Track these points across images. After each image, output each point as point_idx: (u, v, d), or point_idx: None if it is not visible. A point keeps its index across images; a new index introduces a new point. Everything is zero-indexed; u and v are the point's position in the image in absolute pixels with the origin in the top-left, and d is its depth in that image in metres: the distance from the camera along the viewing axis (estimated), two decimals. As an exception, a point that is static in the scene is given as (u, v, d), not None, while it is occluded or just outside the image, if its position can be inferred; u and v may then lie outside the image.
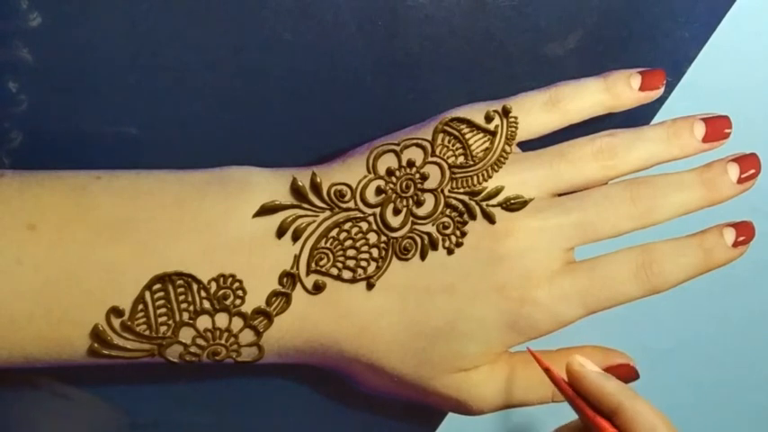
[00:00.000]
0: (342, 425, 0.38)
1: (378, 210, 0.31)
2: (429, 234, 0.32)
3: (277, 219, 0.30)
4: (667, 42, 0.35)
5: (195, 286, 0.30)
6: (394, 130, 0.33)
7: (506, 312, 0.32)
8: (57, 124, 0.32)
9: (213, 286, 0.30)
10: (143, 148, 0.33)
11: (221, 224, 0.30)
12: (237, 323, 0.30)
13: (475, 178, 0.32)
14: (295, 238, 0.31)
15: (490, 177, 0.32)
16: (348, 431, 0.38)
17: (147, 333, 0.30)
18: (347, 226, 0.31)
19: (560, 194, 0.33)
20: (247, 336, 0.31)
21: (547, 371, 0.30)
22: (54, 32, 0.31)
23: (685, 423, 0.38)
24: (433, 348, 0.32)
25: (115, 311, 0.29)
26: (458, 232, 0.32)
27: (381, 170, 0.31)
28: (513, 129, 0.32)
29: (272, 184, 0.31)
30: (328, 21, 0.33)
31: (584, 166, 0.33)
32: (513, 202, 0.32)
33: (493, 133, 0.32)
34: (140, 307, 0.29)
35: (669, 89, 0.35)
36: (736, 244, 0.33)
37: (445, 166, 0.32)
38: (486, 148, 0.32)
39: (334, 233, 0.31)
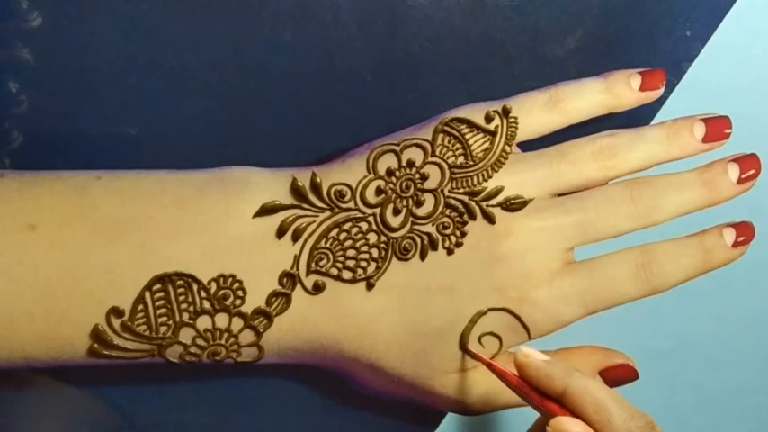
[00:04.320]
0: (342, 425, 0.38)
1: (378, 210, 0.31)
2: (429, 234, 0.32)
3: (277, 219, 0.30)
4: (667, 42, 0.35)
5: (195, 286, 0.30)
6: (394, 130, 0.33)
7: (506, 313, 0.32)
8: (57, 124, 0.32)
9: (213, 286, 0.30)
10: (143, 148, 0.33)
11: (221, 224, 0.30)
12: (237, 323, 0.30)
13: (475, 178, 0.32)
14: (295, 238, 0.31)
15: (490, 177, 0.32)
16: (348, 431, 0.38)
17: (147, 333, 0.30)
18: (347, 226, 0.31)
19: (560, 195, 0.33)
20: (247, 336, 0.31)
21: (489, 366, 0.30)
22: (54, 32, 0.31)
23: (685, 423, 0.38)
24: (433, 348, 0.32)
25: (115, 312, 0.29)
26: (458, 232, 0.32)
27: (381, 170, 0.31)
28: (513, 129, 0.32)
29: (272, 185, 0.31)
30: (328, 21, 0.33)
31: (584, 166, 0.33)
32: (512, 202, 0.32)
33: (493, 133, 0.32)
34: (140, 307, 0.29)
35: (669, 89, 0.35)
36: (735, 244, 0.33)
37: (445, 166, 0.32)
38: (486, 149, 0.32)
39: (333, 233, 0.31)
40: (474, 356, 0.32)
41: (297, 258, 0.31)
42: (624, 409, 0.27)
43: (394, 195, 0.31)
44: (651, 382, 0.34)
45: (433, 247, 0.32)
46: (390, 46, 0.34)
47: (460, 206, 0.32)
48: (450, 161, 0.32)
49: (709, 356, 0.40)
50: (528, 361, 0.29)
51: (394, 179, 0.31)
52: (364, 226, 0.31)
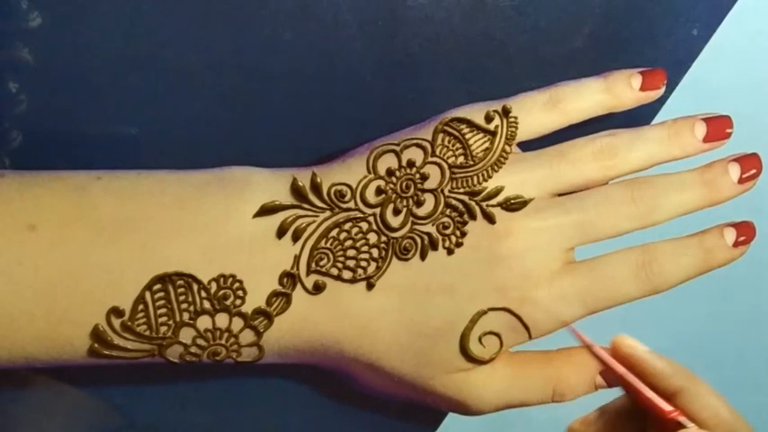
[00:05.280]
0: (342, 425, 0.38)
1: (378, 210, 0.31)
2: (429, 234, 0.32)
3: (277, 219, 0.30)
4: (668, 42, 0.35)
5: (195, 286, 0.30)
6: (394, 130, 0.33)
7: (506, 313, 0.32)
8: (57, 124, 0.32)
9: (213, 286, 0.30)
10: (143, 148, 0.33)
11: (221, 224, 0.30)
12: (238, 323, 0.30)
13: (475, 178, 0.32)
14: (295, 238, 0.31)
15: (490, 177, 0.32)
16: (348, 431, 0.38)
17: (147, 333, 0.30)
18: (347, 226, 0.31)
19: (560, 194, 0.33)
20: (247, 336, 0.31)
21: (590, 348, 0.30)
22: (54, 32, 0.31)
23: (685, 423, 0.38)
24: (433, 348, 0.32)
25: (115, 312, 0.29)
26: (458, 232, 0.32)
27: (381, 170, 0.31)
28: (513, 129, 0.32)
29: (272, 185, 0.31)
30: (328, 21, 0.33)
31: (584, 166, 0.33)
32: (512, 202, 0.32)
33: (493, 133, 0.32)
34: (140, 307, 0.29)
35: (670, 89, 0.35)
36: (736, 244, 0.33)
37: (445, 166, 0.32)
38: (486, 149, 0.32)
39: (334, 233, 0.31)
40: (576, 336, 0.31)
41: (297, 258, 0.31)
42: (734, 416, 0.27)
43: (394, 195, 0.31)
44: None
45: (434, 246, 0.32)
46: (390, 46, 0.34)
47: (461, 206, 0.32)
48: (450, 161, 0.32)
49: (710, 356, 0.40)
50: (638, 354, 0.28)
51: (394, 179, 0.31)
52: (364, 226, 0.31)
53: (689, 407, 0.27)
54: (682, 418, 0.27)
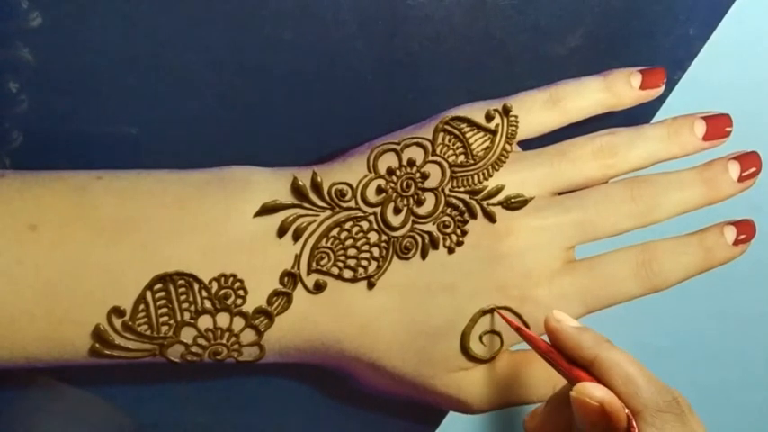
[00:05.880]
0: (342, 425, 0.38)
1: (378, 209, 0.31)
2: (430, 233, 0.32)
3: (278, 218, 0.30)
4: (668, 41, 0.35)
5: (196, 286, 0.30)
6: (394, 130, 0.33)
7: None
8: (57, 124, 0.32)
9: (214, 286, 0.30)
10: (143, 148, 0.33)
11: (222, 224, 0.30)
12: (239, 323, 0.30)
13: (475, 177, 0.32)
14: (296, 237, 0.31)
15: (490, 176, 0.32)
16: (348, 431, 0.38)
17: (148, 333, 0.30)
18: (348, 225, 0.31)
19: (561, 193, 0.33)
20: (248, 335, 0.31)
21: (518, 330, 0.30)
22: (54, 32, 0.31)
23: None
24: (434, 347, 0.32)
25: (116, 311, 0.29)
26: (458, 231, 0.32)
27: (382, 169, 0.31)
28: (514, 128, 0.32)
29: (272, 184, 0.31)
30: (328, 21, 0.33)
31: (584, 164, 0.33)
32: (513, 200, 0.32)
33: (493, 132, 0.32)
34: (141, 307, 0.29)
35: (670, 87, 0.35)
36: (736, 242, 0.33)
37: (446, 165, 0.32)
38: (487, 147, 0.32)
39: (334, 232, 0.31)
40: (504, 318, 0.31)
41: (298, 258, 0.31)
42: (652, 382, 0.27)
43: (395, 194, 0.31)
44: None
45: (434, 245, 0.32)
46: (390, 45, 0.34)
47: (461, 205, 0.32)
48: (450, 160, 0.32)
49: (710, 355, 0.40)
50: (559, 327, 0.28)
51: (395, 178, 0.31)
52: (365, 225, 0.31)
53: (603, 375, 0.27)
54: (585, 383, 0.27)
